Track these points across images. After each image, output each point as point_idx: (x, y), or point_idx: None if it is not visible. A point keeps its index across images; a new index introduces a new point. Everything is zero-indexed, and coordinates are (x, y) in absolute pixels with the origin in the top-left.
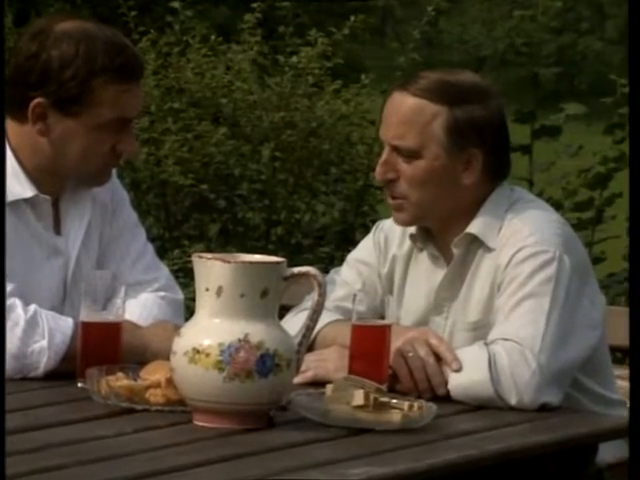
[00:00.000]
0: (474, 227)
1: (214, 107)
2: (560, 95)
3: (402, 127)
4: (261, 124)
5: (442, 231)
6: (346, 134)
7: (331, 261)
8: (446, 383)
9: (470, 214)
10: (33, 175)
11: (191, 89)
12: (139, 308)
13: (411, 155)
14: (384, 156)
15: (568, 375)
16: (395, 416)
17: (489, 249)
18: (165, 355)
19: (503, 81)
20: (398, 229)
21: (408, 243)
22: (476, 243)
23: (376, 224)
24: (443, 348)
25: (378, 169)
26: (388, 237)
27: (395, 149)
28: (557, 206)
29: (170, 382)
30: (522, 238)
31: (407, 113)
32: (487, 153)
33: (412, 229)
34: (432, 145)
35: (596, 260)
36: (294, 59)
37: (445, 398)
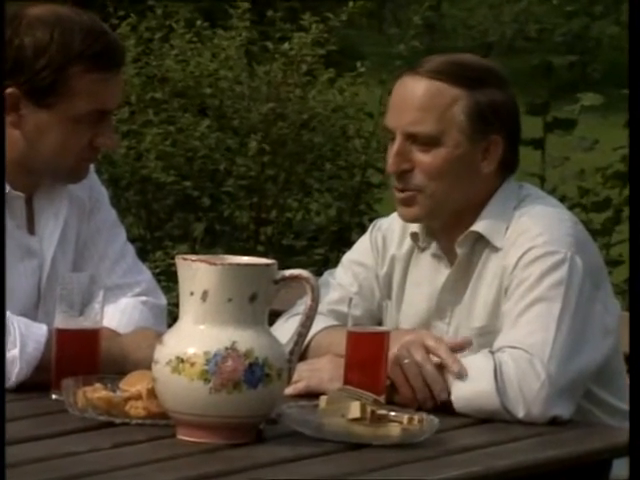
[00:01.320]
0: (479, 225)
1: (199, 97)
2: (574, 85)
3: (419, 112)
4: (249, 116)
5: (446, 229)
6: (341, 127)
7: (325, 263)
8: (448, 388)
9: (476, 211)
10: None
11: (174, 78)
12: (119, 314)
13: (429, 142)
14: (396, 146)
15: (580, 385)
16: (394, 430)
17: (495, 249)
18: (146, 365)
19: (511, 69)
20: (397, 228)
21: (408, 242)
22: (482, 242)
23: (373, 223)
24: (442, 350)
25: (391, 160)
26: (386, 236)
27: (410, 137)
28: (571, 204)
29: (152, 394)
30: (531, 238)
31: (424, 97)
32: (506, 140)
33: (413, 227)
34: (453, 131)
35: (614, 263)
36: (285, 46)
37: (447, 410)
